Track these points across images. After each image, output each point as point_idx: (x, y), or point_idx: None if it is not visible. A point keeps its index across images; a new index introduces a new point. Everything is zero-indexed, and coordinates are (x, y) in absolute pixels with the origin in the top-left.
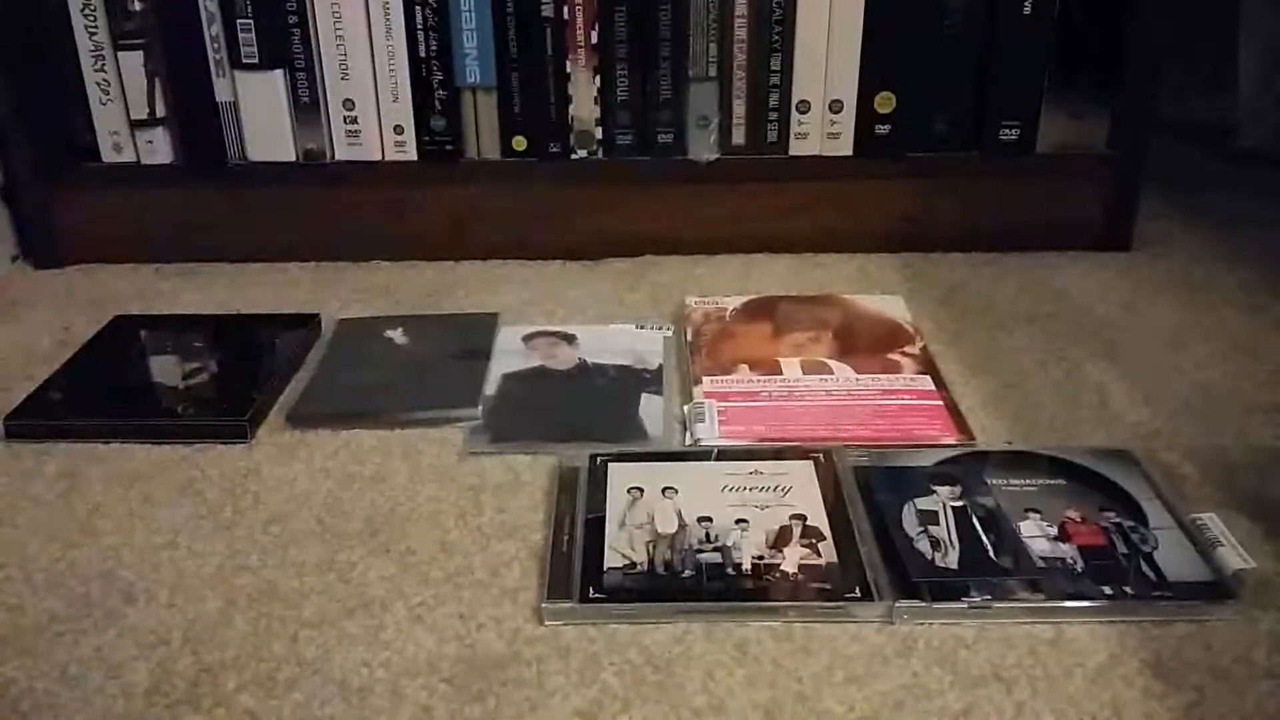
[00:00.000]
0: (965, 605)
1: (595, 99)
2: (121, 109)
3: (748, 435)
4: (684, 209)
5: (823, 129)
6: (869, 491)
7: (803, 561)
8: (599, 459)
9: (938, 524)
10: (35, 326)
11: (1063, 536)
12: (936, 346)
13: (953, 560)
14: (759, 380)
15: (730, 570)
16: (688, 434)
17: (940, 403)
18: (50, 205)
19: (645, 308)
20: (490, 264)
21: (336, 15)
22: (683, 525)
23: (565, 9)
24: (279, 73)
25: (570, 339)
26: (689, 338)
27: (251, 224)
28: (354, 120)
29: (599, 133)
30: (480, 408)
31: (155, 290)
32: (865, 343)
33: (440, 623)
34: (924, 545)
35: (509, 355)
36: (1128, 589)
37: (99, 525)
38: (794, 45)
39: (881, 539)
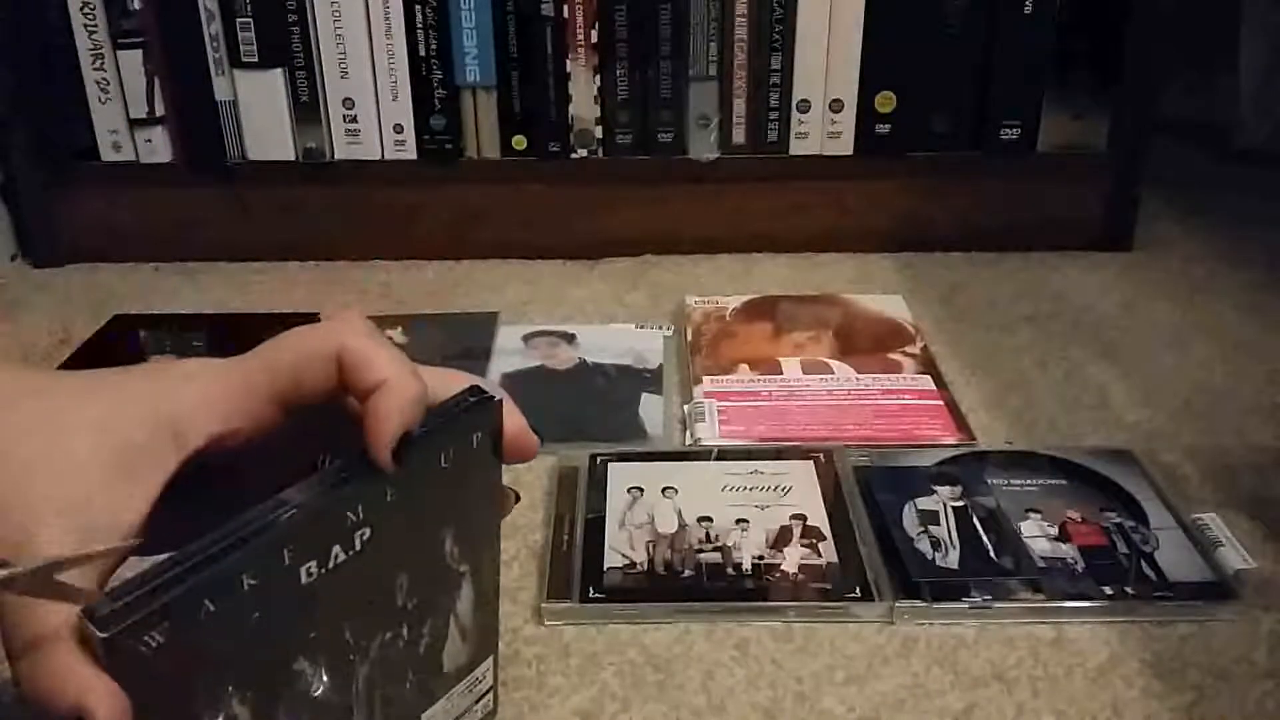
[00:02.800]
0: (966, 605)
1: (595, 98)
2: (120, 108)
3: (748, 435)
4: (684, 209)
5: (823, 128)
6: (869, 491)
7: (803, 561)
8: (599, 459)
9: (938, 524)
10: (34, 325)
11: (1063, 536)
12: (936, 346)
13: (953, 560)
14: (759, 380)
15: (730, 570)
16: (688, 434)
17: (941, 402)
18: (49, 204)
19: (645, 308)
20: (490, 263)
21: (336, 14)
22: (683, 525)
23: (565, 8)
24: (279, 72)
25: (570, 339)
26: (689, 338)
27: (251, 223)
28: (354, 119)
29: (599, 132)
30: None
31: (154, 289)
32: (865, 342)
33: None
34: (924, 545)
35: (508, 355)
36: (1128, 589)
37: None
38: (794, 45)
39: (882, 539)
